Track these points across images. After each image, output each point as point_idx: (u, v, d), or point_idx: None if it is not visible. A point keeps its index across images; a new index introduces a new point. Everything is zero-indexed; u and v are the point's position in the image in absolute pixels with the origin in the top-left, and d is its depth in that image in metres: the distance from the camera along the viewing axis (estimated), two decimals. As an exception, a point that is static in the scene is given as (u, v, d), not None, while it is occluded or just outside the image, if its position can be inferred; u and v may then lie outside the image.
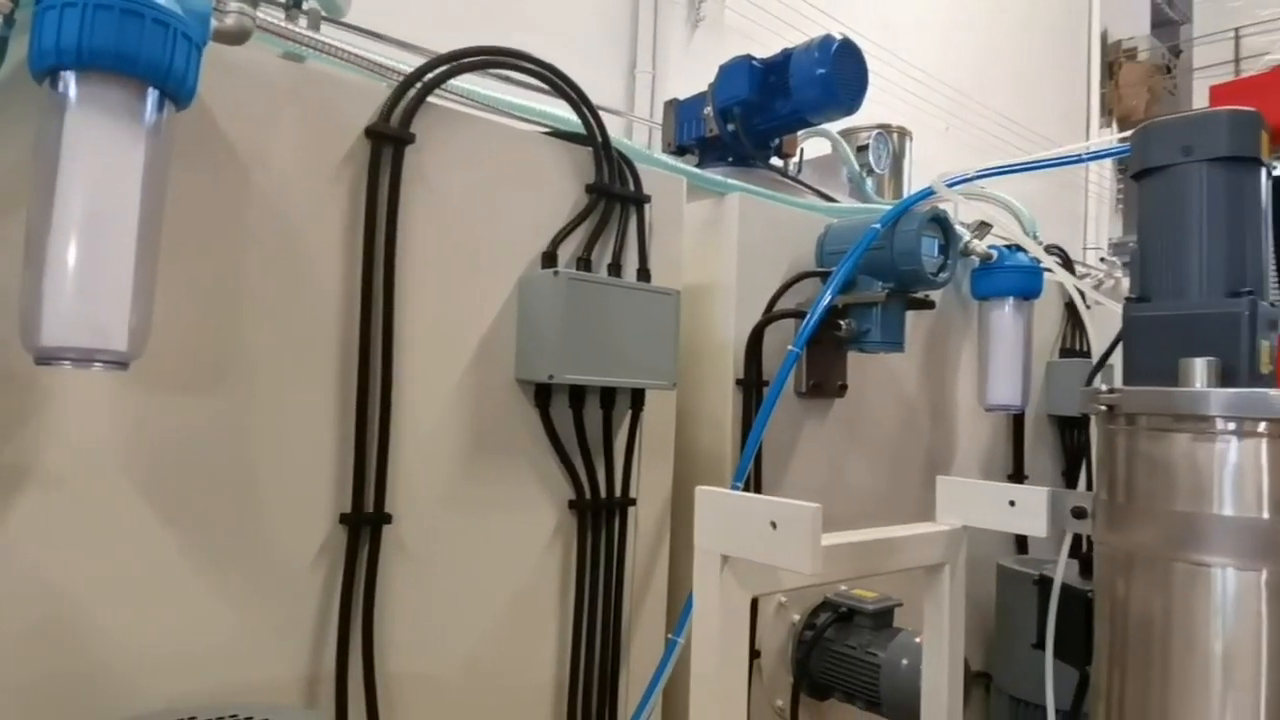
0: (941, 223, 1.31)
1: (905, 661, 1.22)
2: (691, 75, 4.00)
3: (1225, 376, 0.76)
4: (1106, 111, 6.89)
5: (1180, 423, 0.76)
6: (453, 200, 1.00)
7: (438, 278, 0.98)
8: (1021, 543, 1.82)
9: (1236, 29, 5.94)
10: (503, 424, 1.05)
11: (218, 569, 0.83)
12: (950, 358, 1.71)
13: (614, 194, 1.12)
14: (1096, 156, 1.18)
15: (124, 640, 0.78)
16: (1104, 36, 6.74)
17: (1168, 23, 7.18)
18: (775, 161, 2.05)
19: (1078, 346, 1.99)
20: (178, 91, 0.71)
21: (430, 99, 0.97)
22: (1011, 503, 0.95)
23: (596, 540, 1.12)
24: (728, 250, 1.32)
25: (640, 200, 1.15)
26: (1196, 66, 6.35)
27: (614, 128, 1.10)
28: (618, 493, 1.13)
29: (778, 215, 1.39)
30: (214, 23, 0.76)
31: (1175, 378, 0.78)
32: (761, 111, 1.89)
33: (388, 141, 0.93)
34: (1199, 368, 0.75)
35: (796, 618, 1.36)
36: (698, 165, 2.05)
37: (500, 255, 1.04)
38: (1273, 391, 0.72)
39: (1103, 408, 0.79)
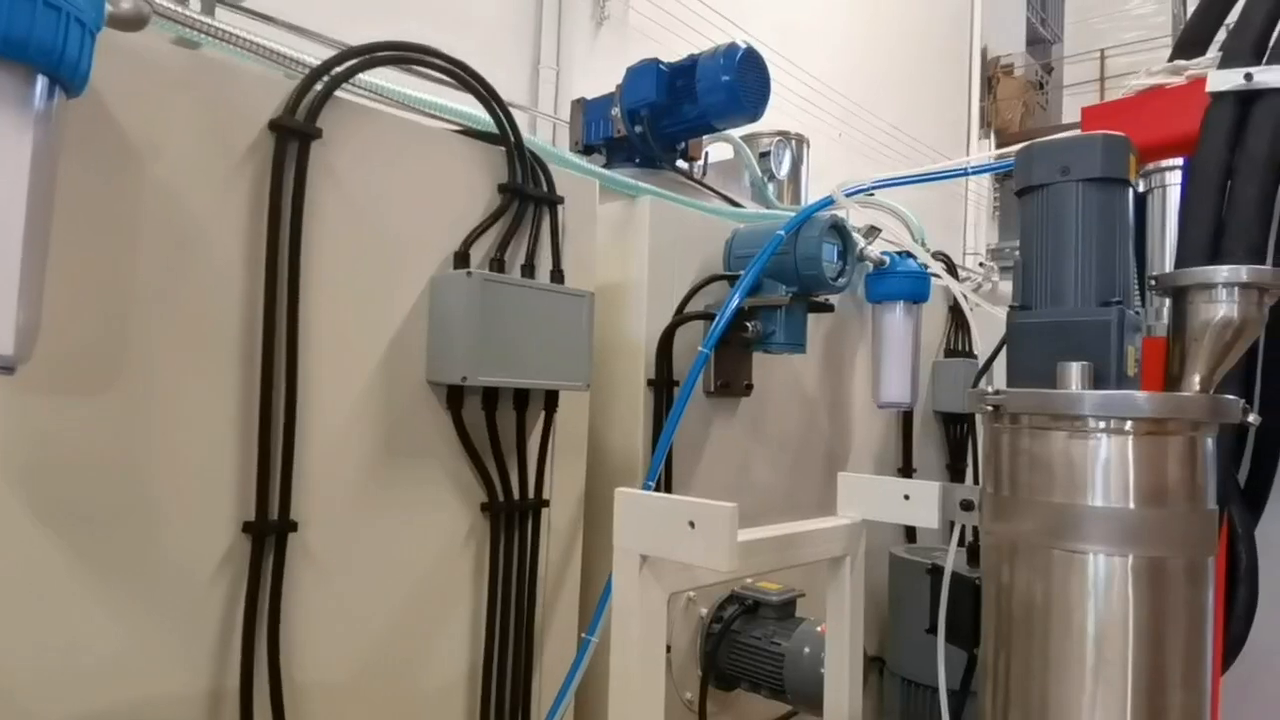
0: (841, 230, 1.37)
1: (807, 650, 1.27)
2: (596, 72, 4.02)
3: (1097, 379, 0.83)
4: (985, 123, 7.32)
5: (1057, 421, 0.83)
6: (361, 197, 0.97)
7: (346, 277, 0.96)
8: (911, 532, 1.93)
9: (1102, 50, 6.42)
10: (413, 427, 1.03)
11: (112, 581, 0.79)
12: (846, 358, 1.78)
13: (527, 194, 1.12)
14: (980, 170, 1.26)
15: (6, 657, 0.73)
16: (984, 52, 7.16)
17: (1041, 41, 7.70)
18: (681, 164, 2.09)
19: (961, 346, 2.12)
20: (70, 79, 0.66)
21: (338, 93, 0.94)
22: (906, 497, 1.01)
23: (510, 542, 1.11)
24: (639, 252, 1.34)
25: (554, 201, 1.16)
26: (1066, 83, 6.83)
27: (519, 123, 1.10)
28: (531, 494, 1.13)
29: (687, 219, 1.42)
30: (108, 7, 0.72)
31: (1054, 380, 0.85)
32: (668, 115, 1.92)
33: (293, 136, 0.90)
34: (1074, 371, 0.81)
35: (704, 611, 1.39)
36: (605, 165, 2.07)
37: (411, 255, 1.03)
38: (1138, 393, 0.79)
39: (989, 408, 0.85)
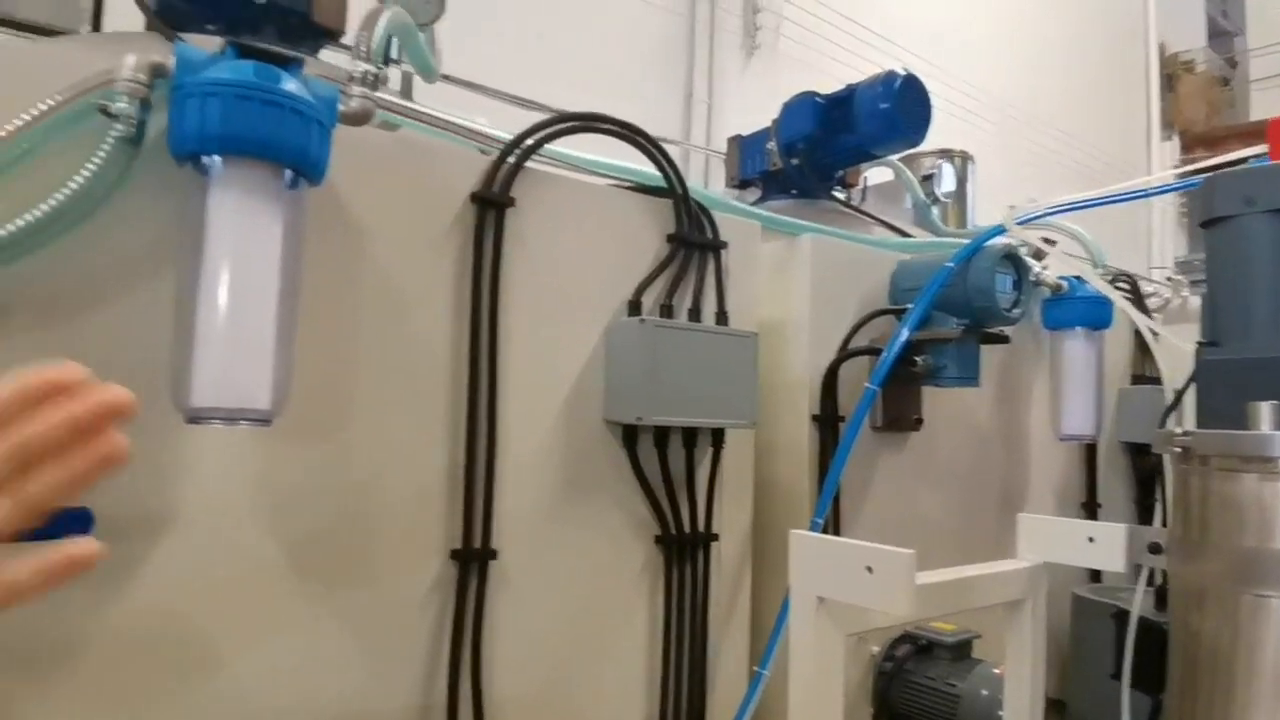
0: (1015, 259, 1.33)
1: (985, 692, 1.23)
2: (747, 102, 4.06)
3: (1290, 419, 0.77)
4: (1167, 124, 6.74)
5: (1248, 463, 0.78)
6: (546, 257, 1.06)
7: (533, 328, 1.05)
8: (1095, 571, 1.80)
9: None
10: (592, 463, 1.10)
11: (339, 606, 0.90)
12: (1022, 389, 1.71)
13: (693, 242, 1.17)
14: (1161, 191, 1.20)
15: (252, 677, 0.85)
16: (1161, 49, 6.60)
17: (1223, 34, 6.99)
18: (838, 193, 2.09)
19: (1148, 373, 1.97)
20: (312, 171, 0.78)
21: (526, 163, 1.03)
22: (1090, 539, 0.96)
23: (682, 573, 1.16)
24: (800, 289, 1.36)
25: (718, 246, 1.20)
26: (1254, 78, 6.17)
27: (671, 156, 1.15)
28: (701, 528, 1.18)
29: (849, 253, 1.42)
30: (340, 107, 0.83)
31: (1244, 420, 0.80)
32: (826, 146, 1.94)
33: (491, 205, 1.00)
34: (1265, 412, 0.77)
35: (875, 649, 1.38)
36: (761, 198, 2.10)
37: (589, 305, 1.10)
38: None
39: (1177, 449, 0.81)
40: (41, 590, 0.44)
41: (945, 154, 2.64)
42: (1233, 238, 0.82)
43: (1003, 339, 1.39)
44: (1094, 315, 1.61)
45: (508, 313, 1.01)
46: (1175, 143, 6.39)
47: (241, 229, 0.75)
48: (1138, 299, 1.90)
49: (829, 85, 1.94)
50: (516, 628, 1.02)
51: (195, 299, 0.74)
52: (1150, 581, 1.73)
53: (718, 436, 1.19)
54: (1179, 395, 0.91)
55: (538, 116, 1.08)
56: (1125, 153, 6.22)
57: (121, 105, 0.72)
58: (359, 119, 0.85)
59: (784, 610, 1.15)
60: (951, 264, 1.29)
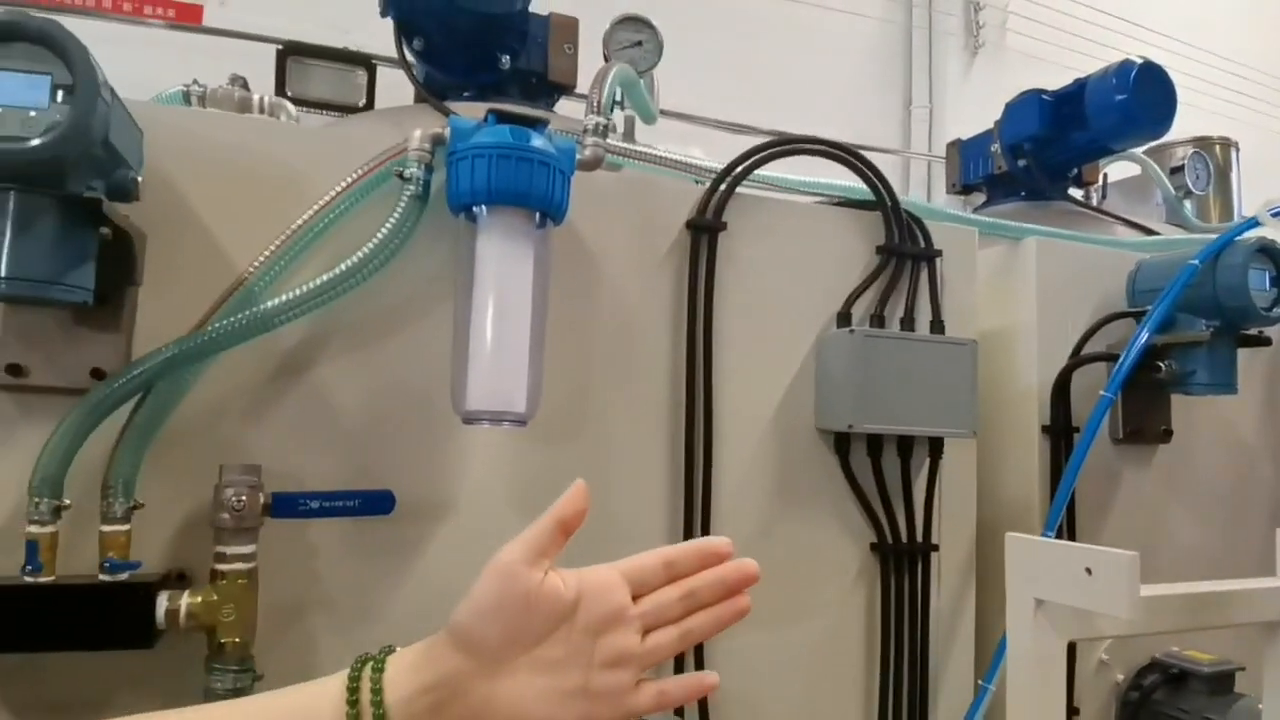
0: (1273, 254, 1.20)
1: (1243, 729, 1.11)
2: (971, 104, 3.89)
3: None
4: None
5: None
6: (757, 275, 1.13)
7: (746, 342, 1.12)
8: None
9: None
10: (805, 470, 1.15)
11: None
12: (1301, 397, 1.52)
13: (904, 253, 1.19)
14: None
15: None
16: None
17: None
18: (1074, 192, 1.98)
19: None
20: (557, 213, 0.92)
21: (738, 189, 1.12)
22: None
23: (900, 582, 1.17)
24: (1025, 295, 1.32)
25: (931, 256, 1.21)
26: None
27: (891, 166, 1.17)
28: (919, 538, 1.18)
29: (1079, 255, 1.36)
30: (577, 155, 0.96)
31: None
32: (1055, 145, 1.85)
33: (705, 231, 1.09)
34: None
35: (1120, 677, 1.29)
36: (986, 202, 2.04)
37: (799, 318, 1.16)
38: None
39: None
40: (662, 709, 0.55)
41: (1202, 142, 2.38)
42: None
43: (1264, 341, 1.26)
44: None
45: (721, 327, 1.10)
46: None
47: (502, 264, 0.89)
48: None
49: (1064, 79, 1.85)
50: (732, 630, 1.09)
51: (468, 323, 0.89)
52: None
53: (935, 446, 1.19)
54: None
55: (754, 140, 1.16)
56: None
57: (413, 170, 0.89)
58: (592, 165, 0.98)
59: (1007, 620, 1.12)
60: (1196, 261, 1.20)
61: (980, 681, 1.13)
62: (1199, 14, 4.53)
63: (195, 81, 1.26)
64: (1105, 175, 2.23)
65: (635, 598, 0.55)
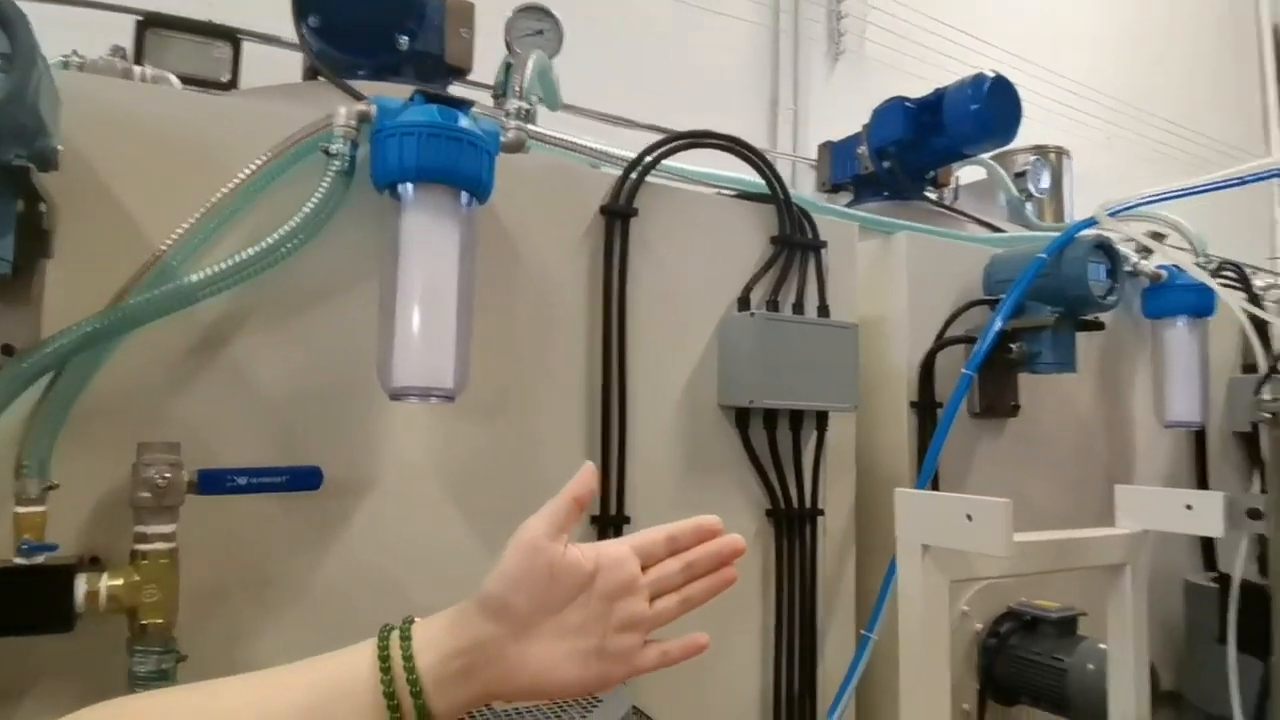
0: (1108, 249, 1.38)
1: (1091, 666, 1.28)
2: (833, 108, 4.13)
3: (1393, 383, 0.83)
4: (1291, 107, 6.37)
5: (1352, 427, 0.84)
6: (665, 260, 1.20)
7: (656, 323, 1.19)
8: (1210, 561, 1.80)
9: None
10: (709, 443, 1.23)
11: (499, 551, 1.05)
12: (1124, 377, 1.74)
13: (795, 243, 1.29)
14: (1260, 178, 1.23)
15: (432, 608, 1.01)
16: (1276, 29, 6.28)
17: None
18: (929, 193, 2.16)
19: (1253, 362, 1.95)
20: (483, 193, 0.94)
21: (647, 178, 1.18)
22: (1189, 506, 1.03)
23: (792, 545, 1.27)
24: (898, 285, 1.45)
25: (818, 246, 1.32)
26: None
27: None
28: (808, 504, 1.28)
29: (943, 249, 1.51)
30: (501, 138, 0.99)
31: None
32: (917, 148, 2.01)
33: (618, 216, 1.14)
34: (1366, 376, 0.82)
35: (979, 626, 1.44)
36: (853, 201, 2.19)
37: (704, 302, 1.24)
38: None
39: (1268, 415, 0.87)
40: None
41: (1040, 150, 2.65)
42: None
43: (1098, 326, 1.44)
44: (1195, 303, 1.64)
45: (635, 310, 1.16)
46: (1297, 126, 6.05)
47: (430, 241, 0.91)
48: (1246, 287, 1.90)
49: (918, 87, 2.02)
50: (647, 588, 1.15)
51: (394, 299, 0.91)
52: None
53: (822, 419, 1.30)
54: (1273, 366, 0.96)
55: (637, 134, 1.22)
56: (1242, 140, 5.93)
57: (339, 145, 0.89)
58: (515, 147, 1.01)
59: (889, 577, 1.24)
60: (1044, 255, 1.36)
61: (863, 631, 1.25)
62: (1035, 33, 4.99)
63: (75, 52, 1.19)
64: (957, 179, 2.45)
65: (643, 568, 0.61)
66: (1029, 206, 2.30)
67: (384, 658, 0.54)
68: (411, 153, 0.88)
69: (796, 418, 1.28)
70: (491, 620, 0.56)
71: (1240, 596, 1.03)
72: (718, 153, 1.27)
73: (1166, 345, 1.69)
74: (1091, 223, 1.37)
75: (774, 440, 1.25)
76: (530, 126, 1.06)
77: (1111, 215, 1.32)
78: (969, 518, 0.81)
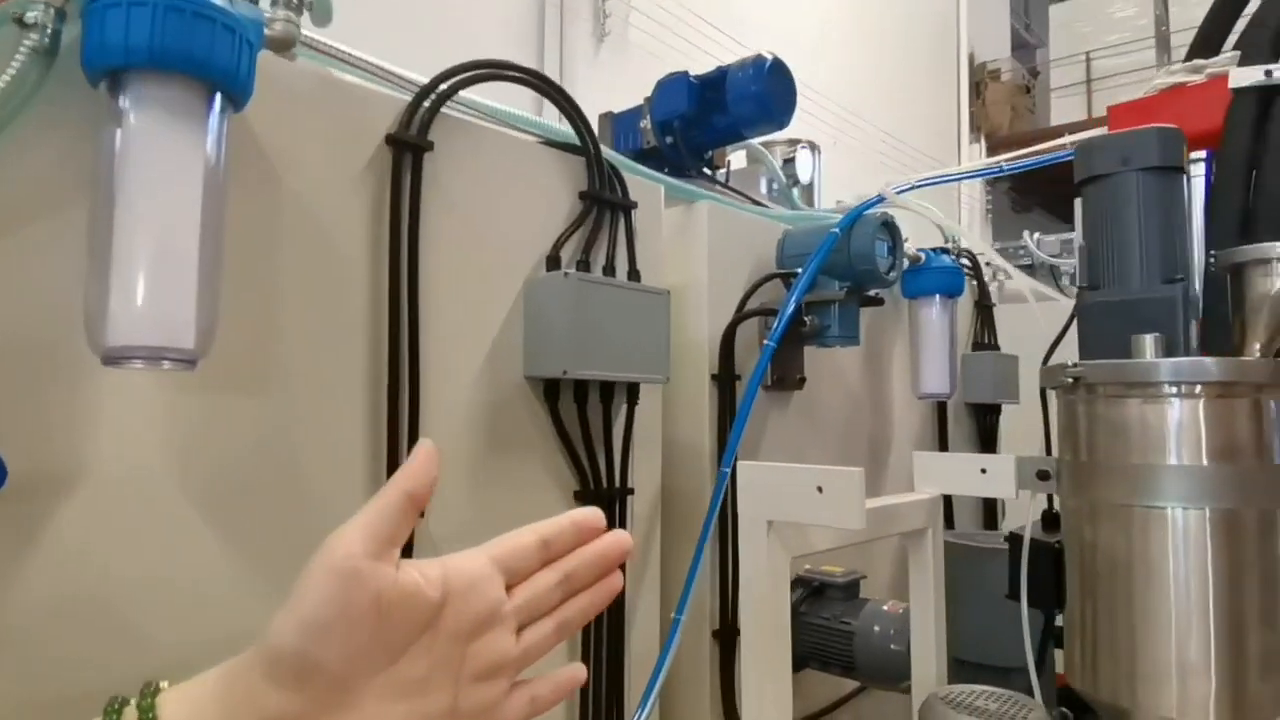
0: (891, 227, 1.44)
1: (877, 628, 1.33)
2: (597, 88, 4.10)
3: (1167, 349, 0.90)
4: (975, 128, 7.45)
5: (1132, 389, 0.90)
6: (464, 206, 1.04)
7: (453, 280, 1.02)
8: (949, 520, 1.99)
9: (1087, 53, 6.57)
10: (514, 420, 1.09)
11: (264, 571, 0.84)
12: (885, 352, 1.86)
13: (606, 200, 1.19)
14: (1015, 170, 1.35)
15: (172, 647, 0.78)
16: (971, 58, 7.30)
17: (1026, 46, 7.85)
18: (707, 172, 2.17)
19: (986, 340, 2.20)
20: (241, 94, 0.73)
21: (443, 109, 1.01)
22: (983, 470, 1.07)
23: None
24: (698, 255, 1.41)
25: (628, 207, 1.22)
26: (1053, 86, 6.96)
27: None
28: (618, 482, 1.19)
29: (741, 221, 1.49)
30: (265, 30, 0.78)
31: (1124, 352, 0.92)
32: (699, 125, 2.00)
33: (408, 149, 0.96)
34: (1149, 343, 0.89)
35: (770, 596, 1.45)
36: (637, 175, 2.14)
37: (506, 258, 1.09)
38: (1208, 359, 0.86)
39: (1069, 380, 0.92)
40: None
41: (795, 144, 2.79)
42: (1110, 193, 0.94)
43: (879, 301, 1.51)
44: (948, 284, 1.78)
45: (427, 262, 0.99)
46: (982, 144, 7.08)
47: (164, 152, 0.68)
48: (978, 273, 2.12)
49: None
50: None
51: (111, 228, 0.67)
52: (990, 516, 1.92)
53: (633, 392, 1.21)
54: (1061, 334, 1.02)
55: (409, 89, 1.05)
56: (941, 153, 6.82)
57: (37, 14, 0.64)
58: (283, 45, 0.80)
59: (697, 559, 1.19)
60: (837, 230, 1.38)
61: (673, 614, 1.19)
62: (786, 40, 5.33)
63: None
64: (729, 162, 2.50)
65: (508, 587, 0.46)
66: (795, 193, 2.39)
67: None
68: (142, 28, 0.65)
69: (607, 390, 1.18)
70: (287, 687, 0.39)
71: (1015, 554, 1.09)
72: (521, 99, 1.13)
73: (922, 323, 1.82)
74: (879, 200, 1.41)
75: (584, 415, 1.14)
76: (303, 32, 0.85)
77: (899, 193, 1.37)
78: (820, 490, 0.76)
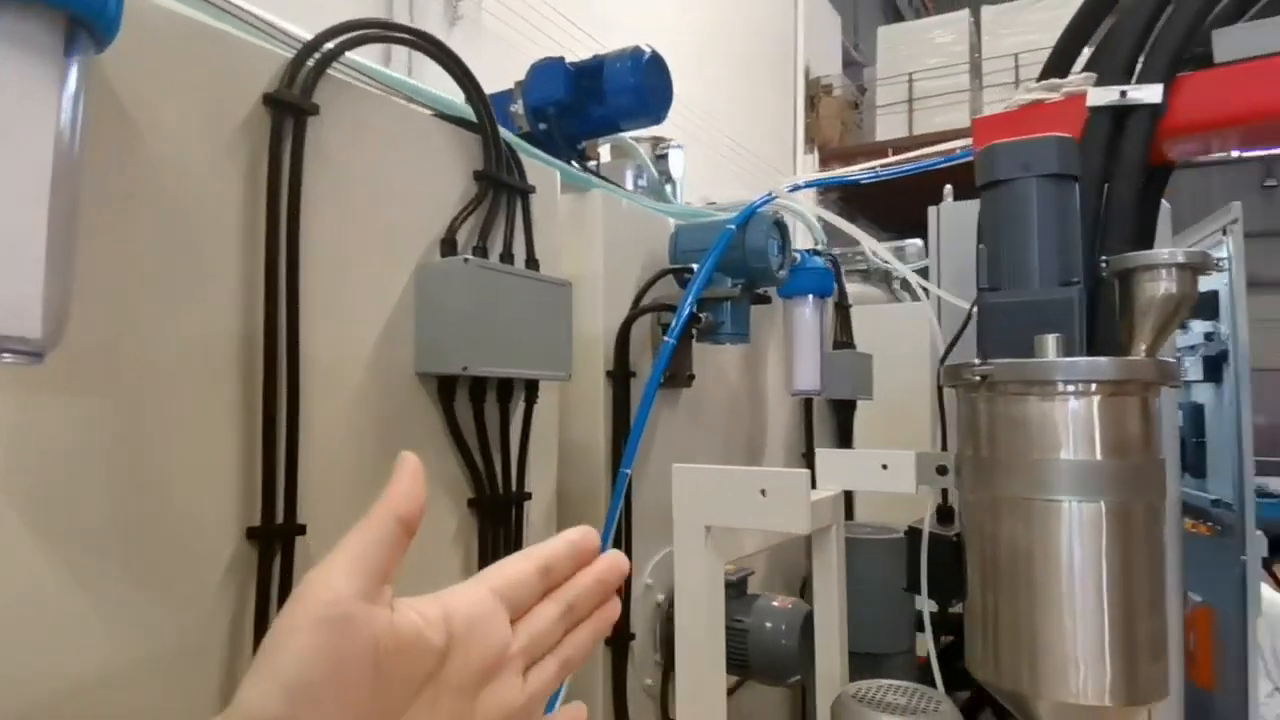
0: (781, 226, 1.44)
1: (769, 624, 1.33)
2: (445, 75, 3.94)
3: (1066, 350, 0.94)
4: (809, 139, 7.84)
5: (1031, 387, 0.94)
6: (351, 180, 0.92)
7: (338, 263, 0.91)
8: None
9: (910, 74, 7.07)
10: (404, 421, 0.99)
11: (116, 603, 0.70)
12: (760, 350, 1.88)
13: (503, 183, 1.10)
14: (946, 163, 1.40)
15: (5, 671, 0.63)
16: (807, 72, 7.67)
17: (855, 64, 8.37)
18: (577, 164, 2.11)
19: (844, 339, 2.28)
20: (107, 28, 0.59)
21: (329, 70, 0.89)
22: (884, 466, 1.09)
23: (495, 538, 1.09)
24: (593, 246, 1.35)
25: (526, 191, 1.15)
26: (879, 104, 7.45)
27: None
28: (514, 488, 1.11)
29: (633, 214, 1.45)
30: (128, -46, 0.64)
31: (1025, 351, 0.95)
32: (575, 114, 1.93)
33: (290, 111, 0.84)
34: (1051, 342, 0.92)
35: (661, 598, 1.42)
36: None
37: (397, 240, 0.98)
38: (1102, 359, 0.91)
39: (976, 378, 0.95)
40: None
41: (660, 141, 2.79)
42: (1011, 197, 0.98)
43: (767, 299, 1.51)
44: (821, 284, 1.82)
45: (309, 240, 0.86)
46: (815, 156, 7.46)
47: (9, 95, 0.54)
48: (838, 274, 2.19)
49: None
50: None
51: (-73, 183, 0.52)
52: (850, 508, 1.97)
53: (531, 390, 1.14)
54: (958, 334, 1.05)
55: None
56: (779, 162, 7.12)
57: None
58: (150, -25, 0.66)
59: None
60: (733, 226, 1.37)
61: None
62: (641, 40, 5.34)
63: None
64: (599, 154, 2.45)
65: (510, 621, 0.40)
66: (668, 189, 2.38)
67: None
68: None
69: (505, 388, 1.09)
70: None
71: (914, 546, 1.12)
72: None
73: (795, 321, 1.85)
74: (771, 198, 1.41)
75: (481, 415, 1.06)
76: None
77: (791, 190, 1.37)
78: (763, 493, 0.73)
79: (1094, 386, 0.91)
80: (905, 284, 3.57)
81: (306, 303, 0.86)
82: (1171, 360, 0.94)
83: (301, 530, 0.84)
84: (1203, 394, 2.41)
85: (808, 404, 2.08)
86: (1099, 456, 0.91)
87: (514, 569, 0.40)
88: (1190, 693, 1.98)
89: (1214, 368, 2.23)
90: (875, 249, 1.24)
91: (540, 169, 1.23)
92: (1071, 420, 0.92)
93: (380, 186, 0.96)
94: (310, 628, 0.32)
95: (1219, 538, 2.17)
